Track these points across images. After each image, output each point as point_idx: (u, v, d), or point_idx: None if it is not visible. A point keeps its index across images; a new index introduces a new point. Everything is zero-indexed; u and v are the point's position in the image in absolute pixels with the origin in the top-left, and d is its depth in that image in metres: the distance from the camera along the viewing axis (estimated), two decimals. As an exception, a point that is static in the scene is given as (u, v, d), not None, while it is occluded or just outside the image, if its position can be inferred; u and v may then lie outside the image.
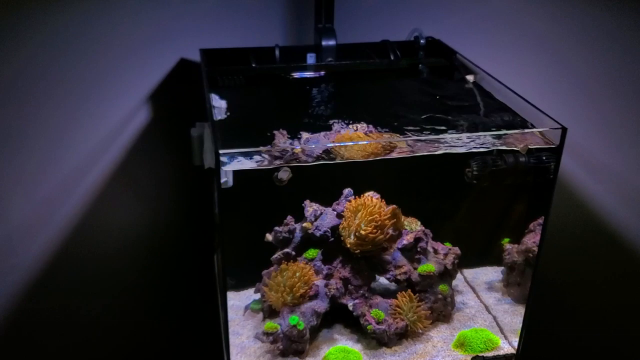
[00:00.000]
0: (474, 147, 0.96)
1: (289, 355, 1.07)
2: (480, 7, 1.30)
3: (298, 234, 1.14)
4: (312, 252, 1.14)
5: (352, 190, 1.15)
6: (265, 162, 0.89)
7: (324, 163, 0.90)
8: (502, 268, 1.27)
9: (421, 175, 1.16)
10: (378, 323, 1.08)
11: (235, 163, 0.87)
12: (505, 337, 1.14)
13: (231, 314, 1.18)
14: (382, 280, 1.17)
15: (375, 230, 1.08)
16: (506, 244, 1.23)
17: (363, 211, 1.09)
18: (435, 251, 1.17)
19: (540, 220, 1.05)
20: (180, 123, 1.18)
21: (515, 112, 1.02)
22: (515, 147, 0.97)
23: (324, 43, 1.19)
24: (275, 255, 1.13)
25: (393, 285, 1.15)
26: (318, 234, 1.12)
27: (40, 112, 1.15)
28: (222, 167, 0.85)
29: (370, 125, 0.98)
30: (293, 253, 1.13)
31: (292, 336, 1.05)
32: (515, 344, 1.11)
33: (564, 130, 0.89)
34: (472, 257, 1.26)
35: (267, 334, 1.06)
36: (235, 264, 1.00)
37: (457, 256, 1.17)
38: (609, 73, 1.22)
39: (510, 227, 1.22)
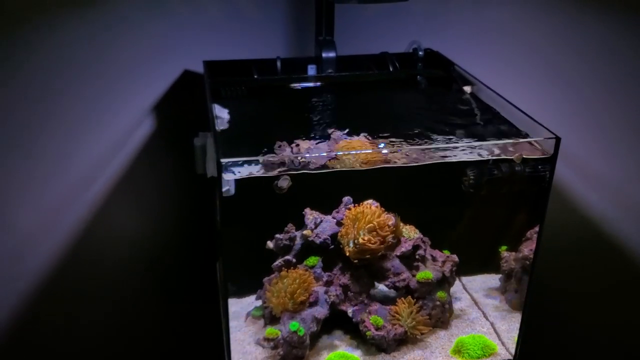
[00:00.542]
0: (471, 157, 0.98)
1: (289, 360, 1.09)
2: (478, 19, 1.33)
3: (298, 242, 1.16)
4: (312, 260, 1.16)
5: (351, 199, 1.17)
6: (266, 171, 0.91)
7: (324, 172, 0.92)
8: (500, 275, 1.29)
9: (419, 184, 1.18)
10: (377, 329, 1.10)
11: (237, 172, 0.90)
12: (503, 343, 1.15)
13: (233, 321, 1.19)
14: (381, 287, 1.19)
15: (373, 239, 1.10)
16: (503, 251, 1.25)
17: (362, 219, 1.11)
18: (434, 258, 1.19)
19: (537, 229, 1.07)
20: (184, 133, 1.21)
21: (510, 123, 1.05)
22: (510, 157, 0.99)
23: (324, 55, 1.21)
24: (276, 263, 1.15)
25: (392, 292, 1.17)
26: (318, 241, 1.14)
27: (47, 122, 1.17)
28: (224, 176, 0.87)
29: (366, 136, 1.00)
30: (294, 260, 1.15)
31: (293, 342, 1.06)
32: (513, 350, 1.13)
33: (558, 140, 0.92)
34: (470, 265, 1.28)
35: (267, 339, 1.08)
36: (236, 271, 1.02)
37: (455, 263, 1.19)
38: (605, 83, 1.24)
39: (508, 235, 1.24)
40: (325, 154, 0.94)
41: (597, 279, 1.34)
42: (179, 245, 1.35)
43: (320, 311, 1.10)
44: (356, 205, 1.15)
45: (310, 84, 1.22)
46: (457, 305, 1.24)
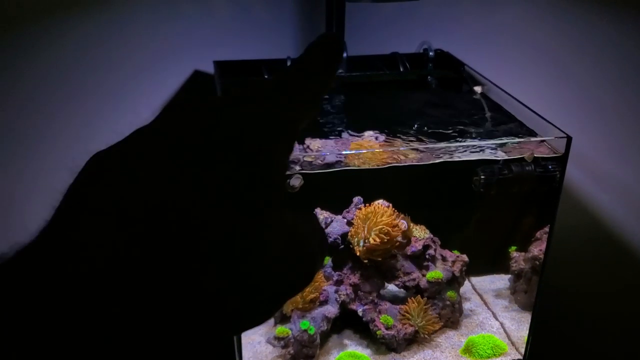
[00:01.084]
0: (482, 156, 0.98)
1: (299, 359, 1.09)
2: (489, 19, 1.33)
3: (309, 241, 1.17)
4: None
5: (361, 199, 1.17)
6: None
7: (336, 170, 0.92)
8: (510, 276, 1.29)
9: (430, 184, 1.18)
10: (387, 329, 1.10)
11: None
12: (512, 344, 1.15)
13: (243, 320, 1.20)
14: (391, 286, 1.19)
15: (384, 239, 1.10)
16: (513, 251, 1.25)
17: (372, 219, 1.11)
18: (444, 258, 1.19)
19: (547, 229, 1.07)
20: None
21: (521, 122, 1.05)
22: (522, 155, 0.99)
23: (334, 55, 1.21)
24: (287, 262, 1.15)
25: (402, 292, 1.18)
26: (328, 241, 1.15)
27: (56, 123, 1.18)
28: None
29: (380, 134, 1.01)
30: (304, 260, 1.15)
31: (303, 341, 1.07)
32: (522, 350, 1.13)
33: (569, 139, 0.92)
34: (479, 265, 1.28)
35: (278, 338, 1.08)
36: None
37: (465, 263, 1.19)
38: (615, 82, 1.24)
39: (517, 235, 1.24)
40: (338, 153, 0.94)
41: (608, 280, 1.34)
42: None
43: (331, 310, 1.11)
44: (367, 205, 1.15)
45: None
46: (466, 306, 1.24)
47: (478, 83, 1.19)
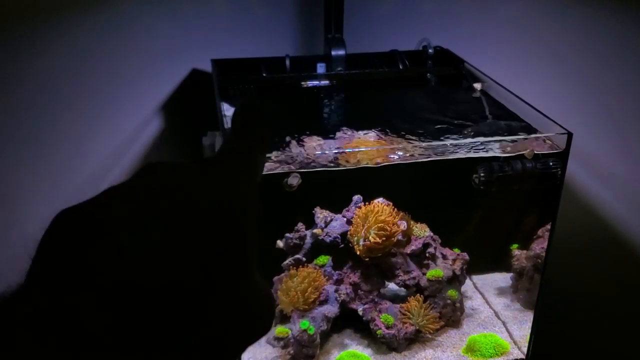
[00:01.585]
0: (481, 153, 0.97)
1: (299, 359, 1.08)
2: (488, 16, 1.32)
3: (308, 241, 1.16)
4: (322, 259, 1.16)
5: (361, 197, 1.16)
6: (276, 168, 0.90)
7: (334, 169, 0.92)
8: (511, 274, 1.28)
9: (430, 182, 1.17)
10: (387, 328, 1.09)
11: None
12: (515, 343, 1.14)
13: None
14: (392, 285, 1.18)
15: (383, 237, 1.09)
16: (514, 249, 1.24)
17: (372, 218, 1.10)
18: (444, 257, 1.18)
19: (549, 227, 1.06)
20: (193, 132, 1.21)
21: (522, 119, 1.04)
22: (522, 152, 0.98)
23: (333, 53, 1.21)
24: (286, 262, 1.15)
25: (402, 291, 1.17)
26: (328, 240, 1.14)
27: (55, 122, 1.17)
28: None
29: (380, 133, 1.00)
30: (303, 259, 1.14)
31: (303, 341, 1.06)
32: (525, 349, 1.12)
33: (570, 135, 0.91)
34: (481, 263, 1.27)
35: (278, 338, 1.07)
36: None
37: (466, 262, 1.18)
38: (617, 78, 1.23)
39: (519, 233, 1.23)
40: (334, 151, 0.94)
41: (611, 278, 1.33)
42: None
43: (331, 310, 1.10)
44: (366, 203, 1.14)
45: (320, 82, 1.21)
46: (468, 304, 1.23)
47: (478, 80, 1.18)
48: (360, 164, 0.93)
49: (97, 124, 1.20)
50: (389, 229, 1.09)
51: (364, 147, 0.96)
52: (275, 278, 1.16)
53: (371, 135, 0.99)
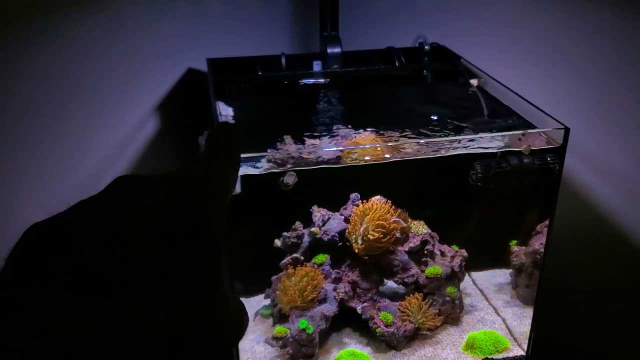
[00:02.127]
0: (478, 149, 0.96)
1: (298, 359, 1.08)
2: (484, 12, 1.31)
3: (306, 239, 1.15)
4: (321, 257, 1.15)
5: (358, 195, 1.16)
6: (272, 167, 0.90)
7: (331, 167, 0.91)
8: (510, 270, 1.27)
9: (428, 179, 1.17)
10: (386, 326, 1.08)
11: (242, 168, 0.89)
12: (515, 339, 1.14)
13: (242, 320, 1.19)
14: (390, 283, 1.17)
15: (382, 235, 1.09)
16: (513, 246, 1.24)
17: (370, 215, 1.10)
18: (442, 254, 1.18)
19: (547, 222, 1.05)
20: (189, 132, 1.20)
21: (519, 115, 1.03)
22: (519, 148, 0.98)
23: (329, 50, 1.20)
24: (284, 260, 1.14)
25: (401, 289, 1.16)
26: (326, 238, 1.13)
27: (50, 122, 1.17)
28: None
29: (377, 131, 0.99)
30: (301, 258, 1.14)
31: (302, 340, 1.06)
32: (525, 346, 1.11)
33: (567, 130, 0.90)
34: (480, 260, 1.27)
35: (276, 338, 1.07)
36: (244, 271, 1.02)
37: (464, 258, 1.18)
38: (615, 73, 1.22)
39: (518, 229, 1.23)
40: (333, 149, 0.93)
41: (611, 273, 1.33)
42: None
43: (329, 308, 1.09)
44: (364, 201, 1.14)
45: (316, 80, 1.21)
46: (467, 301, 1.23)
47: (474, 76, 1.18)
48: (356, 161, 0.93)
49: (93, 124, 1.20)
50: (387, 226, 1.09)
51: (361, 145, 0.95)
52: (274, 277, 1.16)
53: (367, 133, 0.98)
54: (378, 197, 1.14)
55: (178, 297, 0.28)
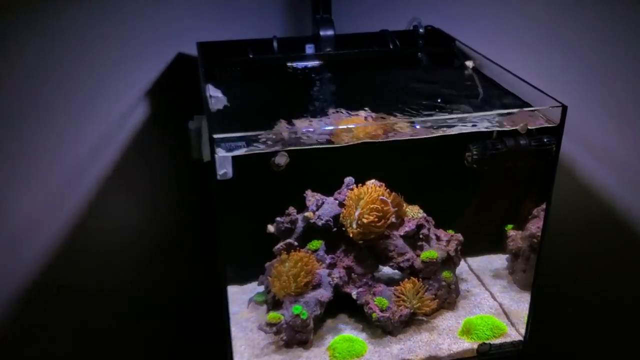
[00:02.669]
0: (474, 129, 0.94)
1: (293, 345, 1.06)
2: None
3: (300, 224, 1.14)
4: (315, 244, 1.14)
5: (353, 179, 1.14)
6: (263, 148, 0.88)
7: (324, 147, 0.89)
8: (507, 255, 1.26)
9: (422, 163, 1.16)
10: (382, 311, 1.07)
11: (233, 150, 0.87)
12: (512, 324, 1.12)
13: (235, 307, 1.17)
14: (386, 269, 1.16)
15: (376, 219, 1.07)
16: (510, 230, 1.22)
17: (365, 199, 1.08)
18: (438, 238, 1.16)
19: (544, 206, 1.03)
20: (179, 117, 1.18)
21: (515, 95, 1.01)
22: (515, 127, 0.96)
23: (322, 33, 1.18)
24: (278, 246, 1.12)
25: (397, 274, 1.14)
26: (320, 223, 1.12)
27: (38, 110, 1.15)
28: (217, 154, 0.85)
29: (370, 112, 0.97)
30: (295, 243, 1.12)
31: (296, 326, 1.04)
32: (523, 331, 1.10)
33: (564, 108, 0.89)
34: (475, 246, 1.25)
35: (270, 324, 1.05)
36: (237, 257, 1.00)
37: (460, 243, 1.16)
38: (611, 55, 1.21)
39: (514, 213, 1.21)
40: (327, 127, 0.91)
41: (609, 257, 1.32)
42: (176, 232, 1.33)
43: (324, 294, 1.08)
44: (359, 185, 1.12)
45: (309, 63, 1.18)
46: (463, 287, 1.21)
47: (469, 58, 1.16)
48: (351, 139, 0.91)
49: (79, 111, 1.18)
50: (382, 209, 1.07)
51: (354, 124, 0.93)
52: (267, 264, 1.14)
53: (361, 114, 0.96)
54: (373, 181, 1.12)
55: None
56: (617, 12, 1.18)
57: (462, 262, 1.25)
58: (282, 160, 0.87)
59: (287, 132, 0.88)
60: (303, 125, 0.90)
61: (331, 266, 1.11)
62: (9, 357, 1.27)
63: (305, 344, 1.06)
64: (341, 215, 1.11)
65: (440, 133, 0.93)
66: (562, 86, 1.22)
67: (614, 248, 1.31)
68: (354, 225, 1.09)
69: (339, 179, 1.15)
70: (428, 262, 1.11)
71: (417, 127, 0.93)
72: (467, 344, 1.07)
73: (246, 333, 1.10)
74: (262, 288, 1.17)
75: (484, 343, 1.07)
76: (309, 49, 1.20)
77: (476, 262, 1.30)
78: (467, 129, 0.94)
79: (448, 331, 1.10)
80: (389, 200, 1.08)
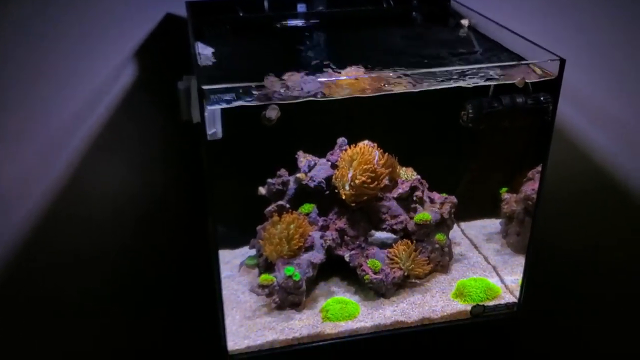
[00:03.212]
0: (470, 81, 0.92)
1: (285, 308, 1.05)
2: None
3: (292, 186, 1.12)
4: (307, 207, 1.12)
5: (346, 140, 1.12)
6: (252, 100, 0.85)
7: (316, 100, 0.87)
8: (500, 220, 1.25)
9: (417, 123, 1.14)
10: (375, 273, 1.06)
11: (222, 103, 0.84)
12: (506, 287, 1.11)
13: (226, 272, 1.16)
14: (379, 234, 1.14)
15: (369, 180, 1.05)
16: (504, 193, 1.21)
17: (358, 160, 1.06)
18: (432, 200, 1.15)
19: (540, 168, 1.02)
20: (168, 78, 1.15)
21: (513, 52, 0.99)
22: (512, 82, 0.94)
23: (314, -9, 1.15)
24: (269, 208, 1.10)
25: (390, 238, 1.13)
26: (312, 184, 1.10)
27: (23, 71, 1.12)
28: (207, 108, 0.82)
29: (363, 68, 0.95)
30: (287, 205, 1.10)
31: (288, 287, 1.02)
32: (517, 294, 1.09)
33: (562, 61, 0.87)
34: (469, 210, 1.24)
35: (262, 286, 1.04)
36: (227, 221, 0.98)
37: (454, 205, 1.15)
38: (610, 12, 1.19)
39: (509, 176, 1.20)
40: (317, 79, 0.88)
41: (603, 220, 1.31)
42: (166, 195, 1.30)
43: (316, 256, 1.06)
44: (352, 146, 1.10)
45: (300, 22, 1.16)
46: (456, 250, 1.20)
47: (465, 16, 1.13)
48: (344, 94, 0.88)
49: (66, 73, 1.15)
50: (375, 170, 1.05)
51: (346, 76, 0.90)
52: (259, 227, 1.12)
53: (354, 69, 0.93)
54: (366, 141, 1.10)
55: None
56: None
57: (456, 227, 1.24)
58: (273, 113, 0.85)
59: (277, 82, 0.85)
60: (293, 78, 0.87)
61: (324, 228, 1.10)
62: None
63: (297, 306, 1.05)
64: (334, 177, 1.09)
65: (433, 87, 0.90)
66: (557, 48, 1.20)
67: (609, 211, 1.30)
68: (347, 187, 1.07)
69: (331, 139, 1.13)
70: (421, 225, 1.09)
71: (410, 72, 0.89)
72: (461, 306, 1.06)
73: (237, 296, 1.09)
74: (253, 252, 1.16)
75: (478, 305, 1.06)
76: (301, 7, 1.17)
77: (469, 226, 1.29)
78: (464, 83, 0.91)
79: (441, 293, 1.09)
80: (376, 153, 1.06)
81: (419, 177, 1.14)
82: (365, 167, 1.05)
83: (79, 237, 1.26)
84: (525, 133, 1.08)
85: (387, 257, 1.08)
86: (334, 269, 1.11)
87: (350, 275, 1.11)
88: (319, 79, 0.87)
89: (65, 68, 1.15)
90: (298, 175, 1.10)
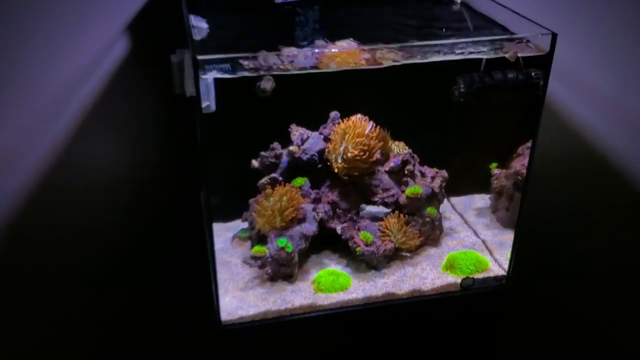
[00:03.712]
0: (462, 56, 0.93)
1: (277, 279, 1.06)
2: None
3: (285, 159, 1.12)
4: (299, 181, 1.13)
5: (338, 113, 1.13)
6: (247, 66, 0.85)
7: (310, 72, 0.87)
8: (490, 195, 1.27)
9: (409, 98, 1.14)
10: (366, 245, 1.07)
11: (215, 74, 0.84)
12: (495, 260, 1.13)
13: (219, 244, 1.16)
14: (370, 208, 1.15)
15: (362, 153, 1.06)
16: (494, 168, 1.23)
17: (350, 133, 1.07)
18: (423, 174, 1.16)
19: (529, 144, 1.03)
20: (161, 52, 1.15)
21: (505, 28, 1.00)
22: (504, 55, 0.94)
23: (308, -33, 1.15)
24: (262, 181, 1.11)
25: (381, 212, 1.14)
26: (305, 158, 1.11)
27: (13, 44, 1.11)
28: (201, 75, 0.83)
29: (356, 42, 0.95)
30: (280, 178, 1.11)
31: (281, 259, 1.04)
32: (506, 266, 1.11)
33: (554, 35, 0.87)
34: (459, 185, 1.25)
35: (255, 257, 1.05)
36: (220, 194, 0.98)
37: (445, 179, 1.16)
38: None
39: (498, 151, 1.21)
40: (311, 51, 0.89)
41: (591, 196, 1.33)
42: (159, 169, 1.31)
43: (309, 228, 1.07)
44: (344, 119, 1.11)
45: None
46: (447, 224, 1.22)
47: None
48: (337, 67, 0.89)
49: (56, 45, 1.14)
50: (368, 144, 1.06)
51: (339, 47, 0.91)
52: (251, 200, 1.13)
53: (347, 42, 0.94)
54: (359, 115, 1.11)
55: None
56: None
57: (446, 202, 1.26)
58: (267, 84, 0.85)
59: (272, 54, 0.85)
60: (286, 50, 0.87)
61: (316, 201, 1.11)
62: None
63: (290, 277, 1.06)
64: (326, 150, 1.10)
65: (426, 59, 0.91)
66: (549, 22, 1.21)
67: (598, 186, 1.32)
68: (339, 160, 1.08)
69: (324, 112, 1.13)
70: (413, 198, 1.11)
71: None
72: (451, 278, 1.08)
73: (230, 268, 1.10)
74: (246, 224, 1.17)
75: (467, 277, 1.08)
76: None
77: (459, 202, 1.30)
78: (455, 56, 0.92)
79: (432, 266, 1.11)
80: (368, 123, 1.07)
81: (410, 151, 1.15)
82: (357, 140, 1.06)
83: (71, 208, 1.26)
84: (516, 109, 1.09)
85: (379, 229, 1.09)
86: (325, 241, 1.13)
87: (342, 248, 1.12)
88: (313, 51, 0.88)
89: (57, 41, 1.14)
90: (291, 148, 1.11)
